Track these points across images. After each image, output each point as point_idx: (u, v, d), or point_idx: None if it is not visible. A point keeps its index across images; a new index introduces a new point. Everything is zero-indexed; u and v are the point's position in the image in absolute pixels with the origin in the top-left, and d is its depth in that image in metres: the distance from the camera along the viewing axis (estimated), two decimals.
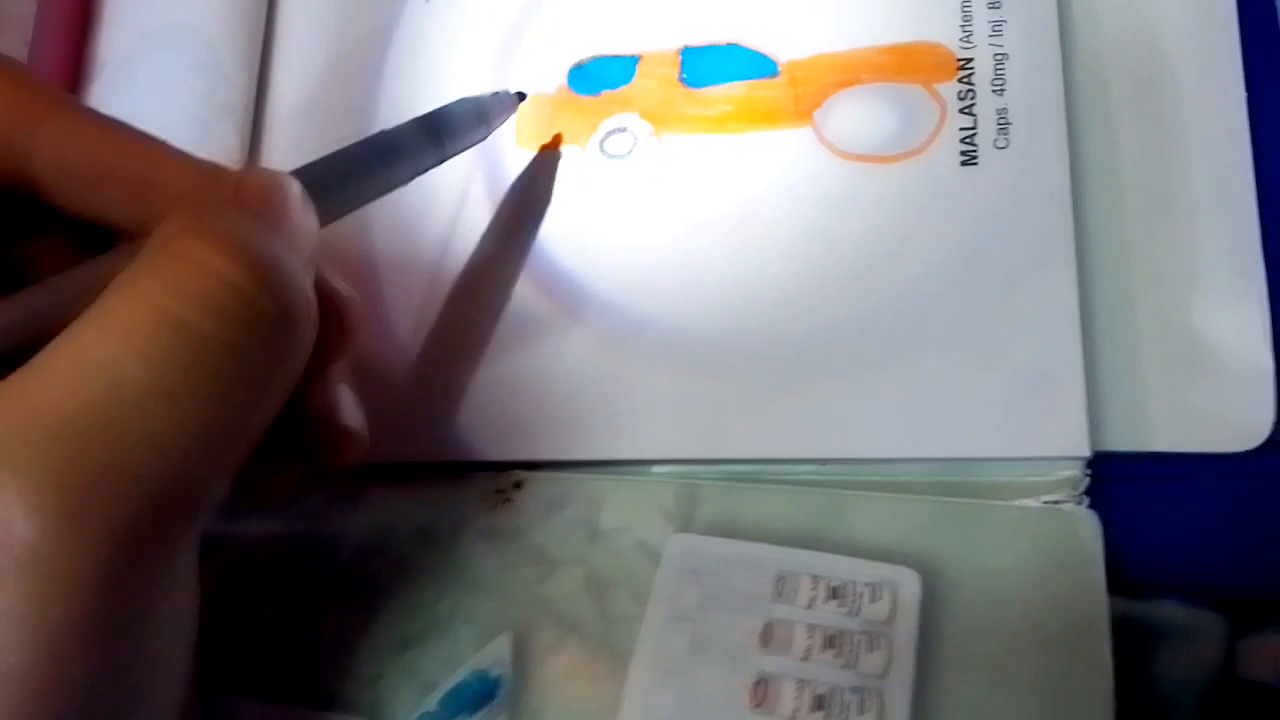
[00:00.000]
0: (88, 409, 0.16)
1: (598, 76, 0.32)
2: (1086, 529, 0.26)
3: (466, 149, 0.28)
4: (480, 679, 0.27)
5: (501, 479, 0.29)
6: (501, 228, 0.31)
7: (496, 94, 0.30)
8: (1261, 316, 0.27)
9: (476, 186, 0.32)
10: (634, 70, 0.32)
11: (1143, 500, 0.27)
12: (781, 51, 0.31)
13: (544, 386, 0.30)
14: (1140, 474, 0.27)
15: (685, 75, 0.31)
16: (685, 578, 0.27)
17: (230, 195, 0.19)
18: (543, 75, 0.32)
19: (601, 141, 0.31)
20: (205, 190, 0.20)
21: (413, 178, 0.26)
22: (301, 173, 0.21)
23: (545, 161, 0.31)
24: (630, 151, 0.31)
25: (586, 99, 0.32)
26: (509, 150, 0.32)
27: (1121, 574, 0.26)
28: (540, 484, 0.29)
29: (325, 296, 0.22)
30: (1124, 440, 0.27)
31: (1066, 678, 0.25)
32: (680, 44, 0.31)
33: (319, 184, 0.21)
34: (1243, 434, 0.26)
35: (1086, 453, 0.26)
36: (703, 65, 0.31)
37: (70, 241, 0.22)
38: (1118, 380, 0.27)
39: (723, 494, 0.28)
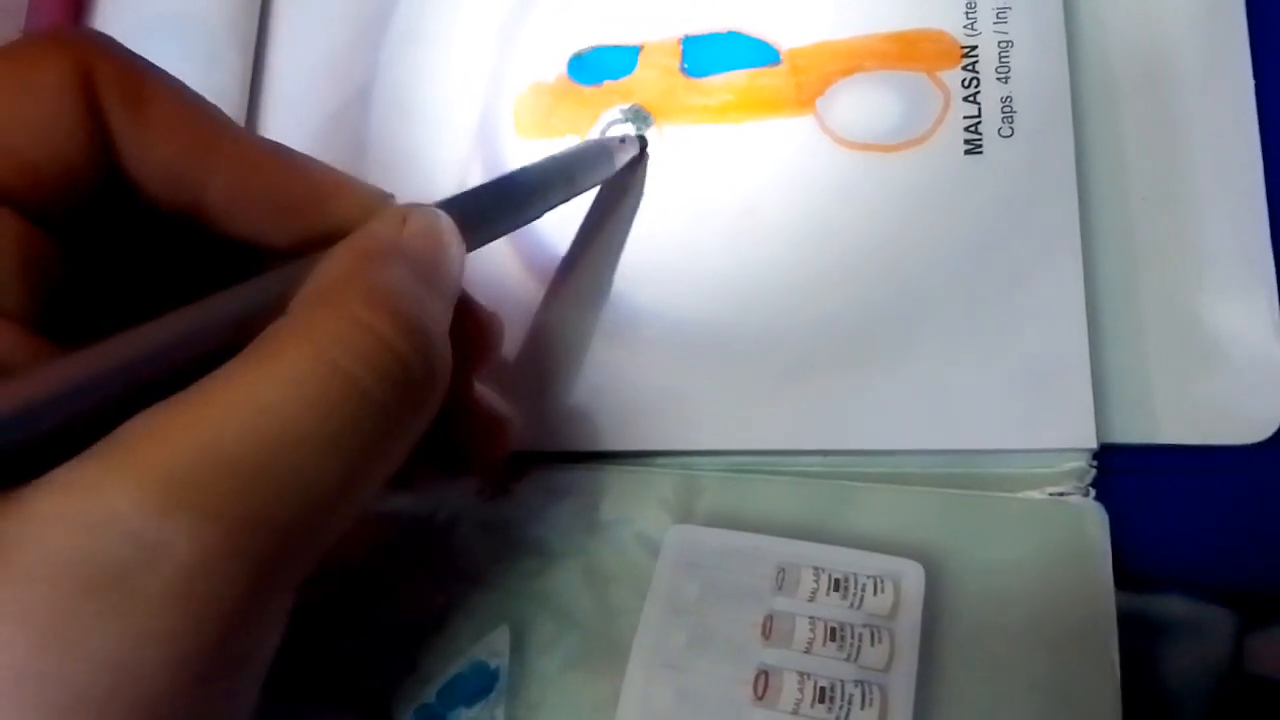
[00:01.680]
0: (255, 450, 0.17)
1: (598, 66, 0.32)
2: (1092, 521, 0.25)
3: (594, 186, 0.29)
4: (478, 671, 0.26)
5: (500, 470, 0.29)
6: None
7: (625, 139, 0.30)
8: (1269, 307, 0.27)
9: (474, 175, 0.32)
10: (635, 60, 0.31)
11: (1149, 493, 0.26)
12: (783, 39, 0.30)
13: (543, 378, 0.29)
14: (1147, 467, 0.26)
15: (686, 65, 0.31)
16: (685, 570, 0.27)
17: (394, 237, 0.20)
18: (543, 64, 0.32)
19: (602, 133, 0.31)
20: (367, 234, 0.21)
21: (543, 214, 0.27)
22: (449, 205, 0.22)
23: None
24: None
25: (587, 89, 0.32)
26: (507, 139, 0.32)
27: (1127, 568, 0.25)
28: (539, 476, 0.29)
29: (471, 314, 0.25)
30: (1131, 432, 0.26)
31: (1072, 672, 0.24)
32: (681, 33, 0.31)
33: (466, 219, 0.22)
34: (1251, 426, 0.26)
35: (1093, 444, 0.26)
36: (704, 54, 0.31)
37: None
38: (1124, 372, 0.27)
39: (723, 485, 0.28)
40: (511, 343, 0.30)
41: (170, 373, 0.18)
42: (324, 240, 0.20)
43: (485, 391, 0.26)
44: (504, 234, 0.25)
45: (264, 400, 0.17)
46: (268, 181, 0.21)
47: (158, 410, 0.17)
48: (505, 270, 0.31)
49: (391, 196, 0.23)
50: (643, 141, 0.31)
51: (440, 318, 0.20)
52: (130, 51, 0.21)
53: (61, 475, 0.16)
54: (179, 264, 0.23)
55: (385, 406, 0.18)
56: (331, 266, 0.20)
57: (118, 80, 0.20)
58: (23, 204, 0.20)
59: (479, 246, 0.24)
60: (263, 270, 0.20)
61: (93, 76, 0.20)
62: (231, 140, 0.21)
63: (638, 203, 0.30)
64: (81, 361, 0.17)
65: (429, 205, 0.22)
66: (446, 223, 0.22)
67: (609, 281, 0.30)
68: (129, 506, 0.16)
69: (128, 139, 0.20)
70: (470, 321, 0.24)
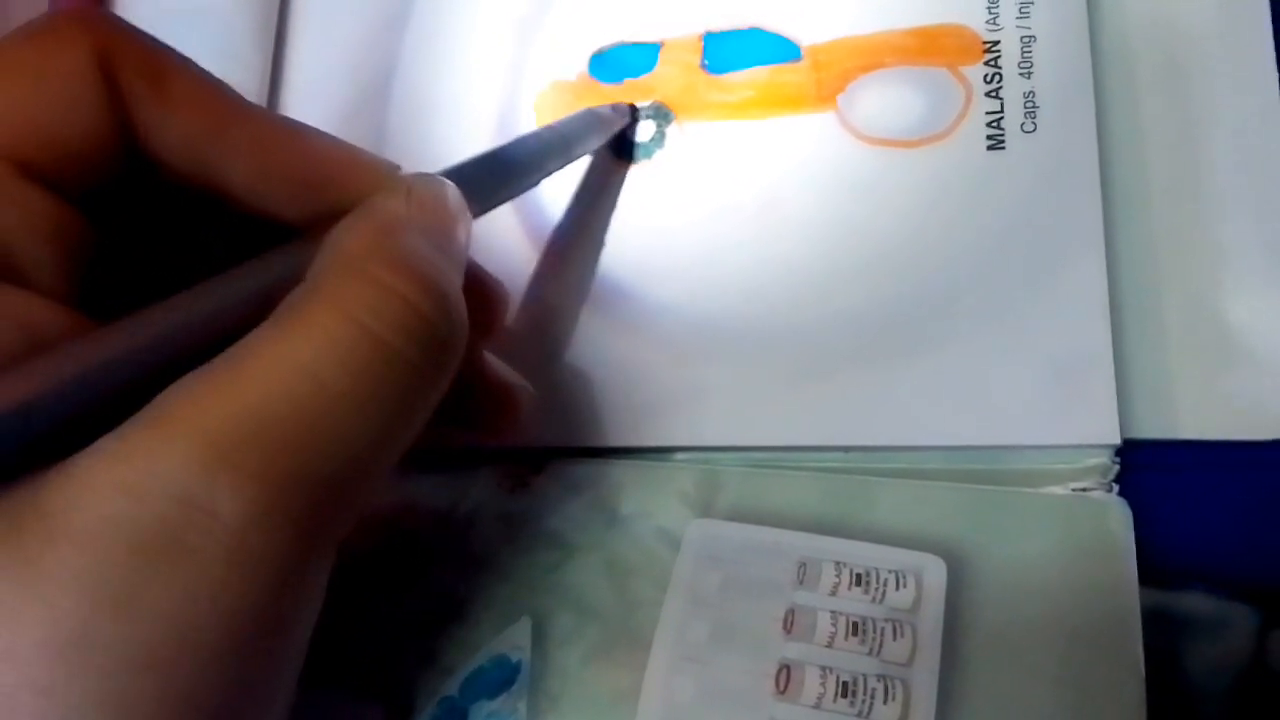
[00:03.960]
0: (292, 410, 0.17)
1: (619, 64, 0.32)
2: (1116, 517, 0.25)
3: (586, 154, 0.30)
4: (500, 664, 0.26)
5: (520, 464, 0.29)
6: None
7: (615, 106, 0.31)
8: None
9: None
10: (656, 57, 0.31)
11: (1172, 488, 0.26)
12: (804, 35, 0.30)
13: (563, 373, 0.30)
14: (1169, 462, 0.26)
15: (707, 61, 0.31)
16: (705, 564, 0.27)
17: (403, 207, 0.21)
18: (564, 62, 0.32)
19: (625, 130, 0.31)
20: (381, 201, 0.21)
21: (539, 182, 0.27)
22: (452, 174, 0.23)
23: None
24: (652, 138, 0.31)
25: (608, 86, 0.32)
26: None
27: (1150, 563, 0.25)
28: (559, 469, 0.29)
29: (479, 282, 0.26)
30: (1153, 428, 0.26)
31: (1096, 669, 0.24)
32: (702, 30, 0.31)
33: (469, 185, 0.23)
34: (1275, 422, 0.26)
35: (1116, 440, 0.26)
36: (725, 51, 0.31)
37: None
38: (1146, 367, 0.27)
39: (744, 479, 0.28)
40: (532, 338, 0.30)
41: (200, 344, 0.18)
42: (336, 214, 0.21)
43: (494, 360, 0.27)
44: (506, 200, 0.26)
45: (298, 362, 0.18)
46: (283, 156, 0.22)
47: (196, 376, 0.17)
48: (523, 264, 0.31)
49: (398, 167, 0.23)
50: (633, 110, 0.31)
51: (456, 280, 0.21)
52: (145, 33, 0.21)
53: (108, 444, 0.16)
54: (199, 241, 0.24)
55: (413, 364, 0.19)
56: (349, 237, 0.20)
57: (137, 59, 0.21)
58: (50, 179, 0.20)
59: (483, 213, 0.24)
60: (279, 245, 0.21)
61: (112, 55, 0.20)
62: (248, 117, 0.22)
63: (614, 204, 0.31)
64: (114, 336, 0.18)
65: (434, 174, 0.22)
66: (452, 190, 0.22)
67: (614, 271, 0.30)
68: (176, 469, 0.16)
69: (147, 116, 0.21)
70: (478, 289, 0.25)
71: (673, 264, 0.30)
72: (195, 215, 0.23)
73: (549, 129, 0.28)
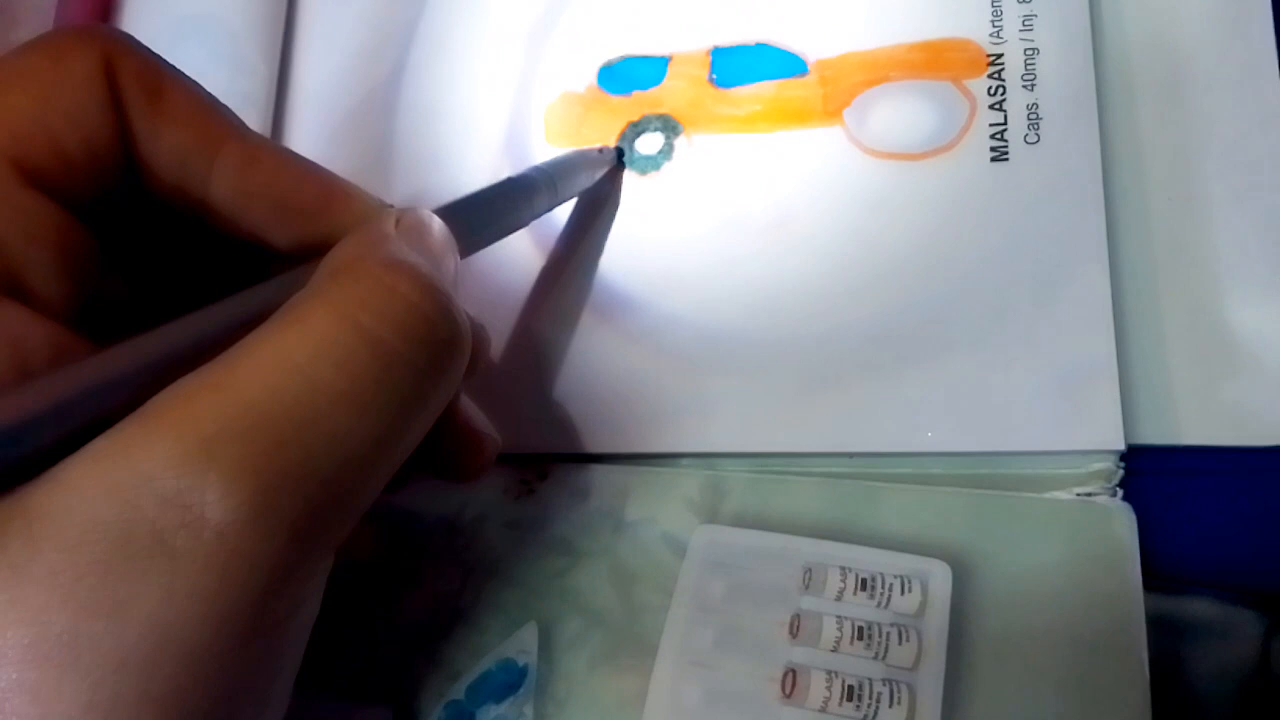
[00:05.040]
0: (286, 408, 0.17)
1: (628, 77, 0.32)
2: (1121, 522, 0.25)
3: (574, 196, 0.30)
4: (506, 668, 0.26)
5: (526, 470, 0.29)
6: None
7: (602, 149, 0.31)
8: None
9: None
10: (664, 71, 0.32)
11: (1176, 494, 0.26)
12: (811, 50, 0.31)
13: (571, 380, 0.30)
14: (1174, 468, 0.27)
15: (715, 75, 0.31)
16: (711, 569, 0.27)
17: (392, 229, 0.21)
18: (573, 74, 0.33)
19: (632, 142, 0.32)
20: (373, 223, 0.21)
21: (530, 221, 0.27)
22: (440, 212, 0.23)
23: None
24: (661, 151, 0.31)
25: (617, 99, 0.32)
26: (537, 145, 0.32)
27: (1154, 569, 0.25)
28: (564, 475, 0.29)
29: None
30: (1157, 434, 0.26)
31: (1101, 673, 0.24)
32: (710, 44, 0.32)
33: (458, 223, 0.23)
34: (1277, 428, 0.26)
35: (1121, 446, 0.26)
36: (732, 65, 0.31)
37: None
38: (1150, 373, 0.27)
39: (748, 485, 0.28)
40: (539, 345, 0.30)
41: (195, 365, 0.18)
42: (323, 243, 0.21)
43: (469, 405, 0.26)
44: (492, 241, 0.26)
45: (291, 361, 0.17)
46: (271, 180, 0.22)
47: (187, 378, 0.17)
48: (530, 272, 0.31)
49: (390, 207, 0.23)
50: (619, 153, 0.31)
51: (452, 289, 0.21)
52: (148, 49, 0.22)
53: (98, 444, 0.16)
54: (192, 265, 0.24)
55: (413, 365, 0.19)
56: (344, 248, 0.20)
57: (138, 72, 0.21)
58: (53, 187, 0.20)
59: (472, 253, 0.24)
60: (271, 272, 0.21)
61: (115, 68, 0.21)
62: (239, 138, 0.22)
63: (614, 212, 0.31)
64: (110, 359, 0.18)
65: (422, 209, 0.22)
66: (439, 224, 0.22)
67: (622, 282, 0.30)
68: (161, 468, 0.16)
69: (143, 128, 0.21)
70: None
71: (680, 275, 0.30)
72: (186, 235, 0.23)
73: (537, 169, 0.28)
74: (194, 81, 0.22)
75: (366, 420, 0.18)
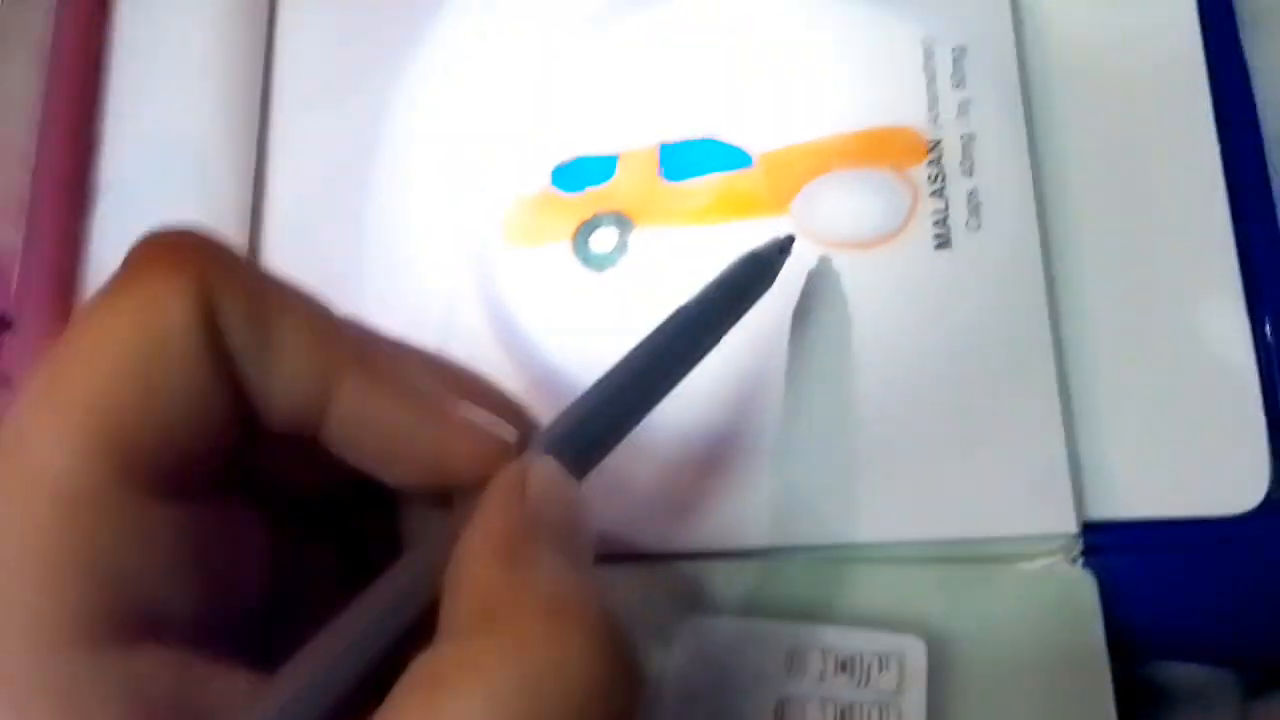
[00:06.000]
0: None
1: (580, 174, 0.33)
2: (1083, 588, 0.27)
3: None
4: None
5: None
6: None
7: (775, 240, 0.28)
8: (1250, 378, 0.27)
9: (468, 281, 0.33)
10: (614, 168, 0.33)
11: (1143, 568, 0.27)
12: (755, 143, 0.32)
13: None
14: (1138, 542, 0.27)
15: (664, 170, 0.32)
16: (697, 659, 0.27)
17: (519, 499, 0.18)
18: (526, 175, 0.33)
19: (586, 238, 0.32)
20: (501, 504, 0.18)
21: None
22: (563, 441, 0.21)
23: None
24: (615, 247, 0.32)
25: (569, 196, 0.33)
26: (496, 246, 0.33)
27: (1126, 642, 0.26)
28: None
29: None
30: (1117, 508, 0.27)
31: None
32: (658, 140, 0.33)
33: (580, 453, 0.21)
34: (1236, 496, 0.27)
35: (1073, 529, 0.27)
36: (680, 160, 0.32)
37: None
38: (1105, 449, 0.27)
39: (729, 574, 0.29)
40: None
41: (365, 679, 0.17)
42: (437, 487, 0.20)
43: None
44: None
45: None
46: (388, 415, 0.19)
47: None
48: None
49: (512, 436, 0.20)
50: (789, 239, 0.28)
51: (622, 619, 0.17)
52: (245, 262, 0.19)
53: None
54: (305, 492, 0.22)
55: None
56: (477, 570, 0.17)
57: (244, 306, 0.18)
58: (161, 481, 0.18)
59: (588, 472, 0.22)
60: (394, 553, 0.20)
61: (217, 307, 0.18)
62: (355, 363, 0.19)
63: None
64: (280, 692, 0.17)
65: (548, 459, 0.20)
66: (573, 486, 0.20)
67: (582, 378, 0.30)
68: None
69: (254, 373, 0.18)
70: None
71: None
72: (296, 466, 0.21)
73: (680, 314, 0.26)
74: (298, 293, 0.19)
75: None
